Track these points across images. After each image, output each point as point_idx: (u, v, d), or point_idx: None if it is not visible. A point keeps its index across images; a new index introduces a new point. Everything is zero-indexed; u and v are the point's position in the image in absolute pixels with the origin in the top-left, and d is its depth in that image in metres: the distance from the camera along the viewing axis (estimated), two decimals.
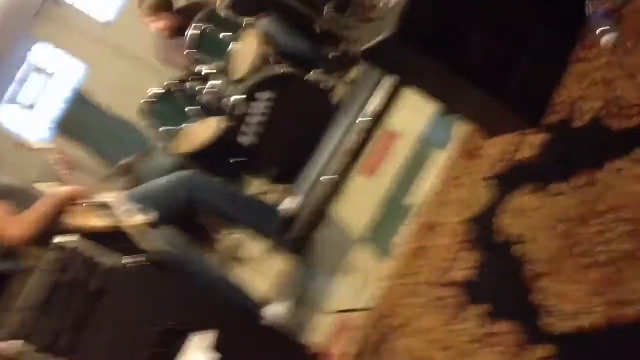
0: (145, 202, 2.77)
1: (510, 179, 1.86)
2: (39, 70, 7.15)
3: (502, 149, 1.95)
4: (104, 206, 2.56)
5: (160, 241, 2.50)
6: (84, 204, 2.59)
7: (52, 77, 7.18)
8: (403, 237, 2.19)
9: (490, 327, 1.61)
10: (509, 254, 1.71)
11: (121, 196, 2.71)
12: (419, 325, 1.84)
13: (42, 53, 7.14)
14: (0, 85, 6.87)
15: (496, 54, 1.86)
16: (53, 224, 2.57)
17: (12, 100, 7.11)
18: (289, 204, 3.37)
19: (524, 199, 1.76)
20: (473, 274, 1.80)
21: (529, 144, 1.85)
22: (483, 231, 1.85)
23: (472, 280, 1.79)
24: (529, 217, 1.71)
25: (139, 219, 2.45)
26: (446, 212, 2.06)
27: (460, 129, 2.24)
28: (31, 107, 7.18)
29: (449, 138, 2.30)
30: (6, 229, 2.47)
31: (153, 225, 2.60)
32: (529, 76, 1.85)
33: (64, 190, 2.72)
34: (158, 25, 4.53)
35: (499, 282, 1.71)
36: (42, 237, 2.57)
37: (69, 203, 2.68)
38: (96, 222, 2.49)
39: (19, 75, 7.06)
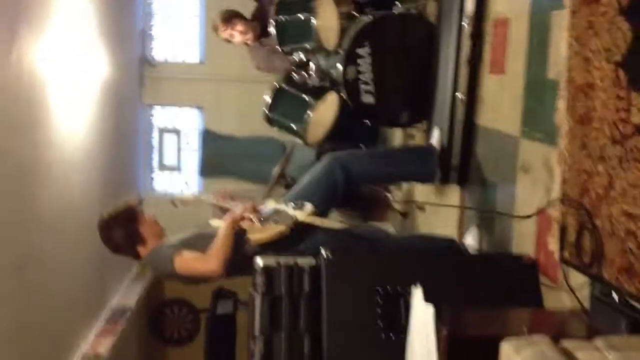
0: (307, 197, 2.89)
1: None
2: (166, 130, 7.62)
3: None
4: (274, 214, 2.73)
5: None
6: (255, 220, 2.75)
7: (180, 132, 7.62)
8: (563, 111, 2.07)
9: None
10: None
11: (283, 199, 2.87)
12: (620, 187, 1.74)
13: (161, 115, 7.61)
14: (140, 157, 7.38)
15: None
16: (237, 248, 2.75)
17: (161, 167, 7.65)
18: (437, 136, 3.33)
19: None
20: None
21: None
22: None
23: None
24: None
25: (308, 208, 2.60)
26: (594, 65, 1.92)
27: None
28: (178, 167, 7.68)
29: None
30: (200, 267, 2.72)
31: (321, 212, 2.75)
32: None
33: (231, 214, 2.90)
34: (237, 32, 4.62)
35: None
36: (237, 265, 2.77)
37: (240, 221, 2.85)
38: (275, 229, 2.65)
39: (155, 141, 7.58)
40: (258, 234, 2.71)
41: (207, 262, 2.71)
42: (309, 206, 2.70)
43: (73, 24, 4.84)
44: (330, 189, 2.96)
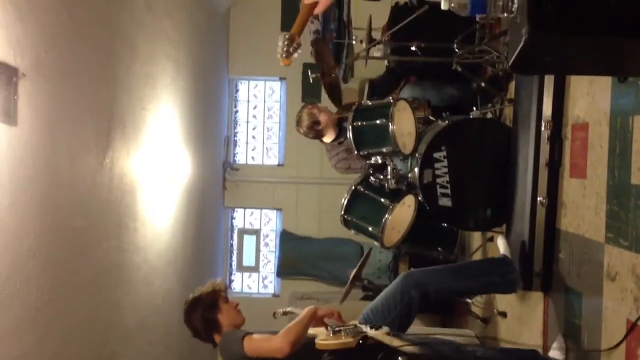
0: (384, 317, 2.85)
1: None
2: (246, 232, 7.78)
3: None
4: (349, 327, 2.72)
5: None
6: (330, 329, 2.74)
7: (259, 233, 7.77)
8: None
9: None
10: None
11: (361, 318, 2.86)
12: None
13: (241, 217, 7.81)
14: (220, 258, 7.52)
15: None
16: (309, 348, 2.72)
17: (239, 268, 7.77)
18: (502, 245, 3.27)
19: None
20: None
21: None
22: None
23: None
24: None
25: (384, 330, 2.60)
26: None
27: None
28: (256, 268, 7.78)
29: None
30: (268, 345, 2.70)
31: (394, 332, 2.73)
32: None
33: (316, 307, 2.90)
34: (320, 116, 4.55)
35: None
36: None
37: (320, 318, 2.84)
38: (342, 339, 2.63)
39: (234, 243, 7.75)
40: (325, 340, 2.70)
41: (276, 340, 2.68)
42: (385, 329, 2.69)
43: (163, 131, 5.13)
44: (405, 310, 2.93)
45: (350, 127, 3.78)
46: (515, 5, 1.84)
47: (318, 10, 2.54)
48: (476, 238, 4.66)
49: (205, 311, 2.97)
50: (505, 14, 1.93)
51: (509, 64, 1.90)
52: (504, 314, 3.83)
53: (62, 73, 3.43)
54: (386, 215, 3.82)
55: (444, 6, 1.95)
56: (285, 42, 2.52)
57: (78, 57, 3.63)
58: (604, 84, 2.45)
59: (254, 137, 7.88)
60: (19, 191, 3.03)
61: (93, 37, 3.84)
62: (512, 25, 1.89)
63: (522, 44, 1.76)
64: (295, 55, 2.56)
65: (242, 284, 7.79)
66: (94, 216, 3.90)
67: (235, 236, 7.76)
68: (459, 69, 3.87)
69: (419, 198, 3.69)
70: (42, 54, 3.18)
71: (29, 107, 3.03)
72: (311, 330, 2.89)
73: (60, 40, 3.41)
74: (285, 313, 3.41)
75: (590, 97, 2.62)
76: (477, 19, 3.79)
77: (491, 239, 4.15)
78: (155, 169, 4.89)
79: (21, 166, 3.02)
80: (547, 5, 1.75)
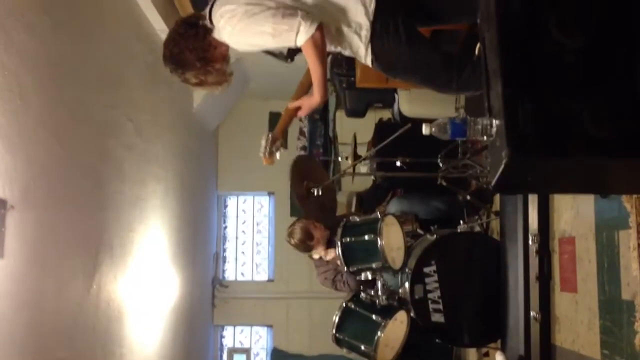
0: None
1: None
2: (236, 351, 7.57)
3: None
4: None
5: None
6: None
7: (249, 352, 7.57)
8: None
9: None
10: None
11: None
12: None
13: (231, 335, 7.62)
14: None
15: (623, 113, 1.77)
16: None
17: None
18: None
19: None
20: None
21: None
22: None
23: None
24: None
25: None
26: None
27: (630, 199, 2.10)
28: None
29: (625, 213, 2.15)
30: None
31: None
32: None
33: None
34: (314, 232, 4.50)
35: None
36: None
37: None
38: None
39: None
40: None
41: None
42: None
43: (151, 252, 5.10)
44: None
45: (339, 243, 3.78)
46: (494, 129, 1.89)
47: (301, 113, 2.62)
48: (471, 354, 4.56)
49: None
50: (485, 137, 1.98)
51: (492, 185, 1.93)
52: None
53: (51, 201, 3.44)
54: (378, 333, 3.74)
55: (425, 131, 2.00)
56: (268, 142, 2.59)
57: (67, 184, 3.66)
58: (587, 198, 2.49)
59: (243, 252, 7.85)
60: (3, 323, 2.96)
61: (82, 164, 3.89)
62: (492, 148, 1.93)
63: (502, 166, 1.80)
64: (277, 155, 2.63)
65: None
66: (79, 345, 3.79)
67: (225, 356, 7.54)
68: (444, 183, 3.93)
69: (411, 314, 3.64)
70: (30, 184, 3.21)
71: (17, 238, 3.01)
72: None
73: (50, 169, 3.45)
74: None
75: (575, 211, 2.65)
76: None
77: (487, 354, 4.06)
78: (142, 291, 4.81)
79: (6, 298, 2.97)
80: (524, 128, 1.80)
